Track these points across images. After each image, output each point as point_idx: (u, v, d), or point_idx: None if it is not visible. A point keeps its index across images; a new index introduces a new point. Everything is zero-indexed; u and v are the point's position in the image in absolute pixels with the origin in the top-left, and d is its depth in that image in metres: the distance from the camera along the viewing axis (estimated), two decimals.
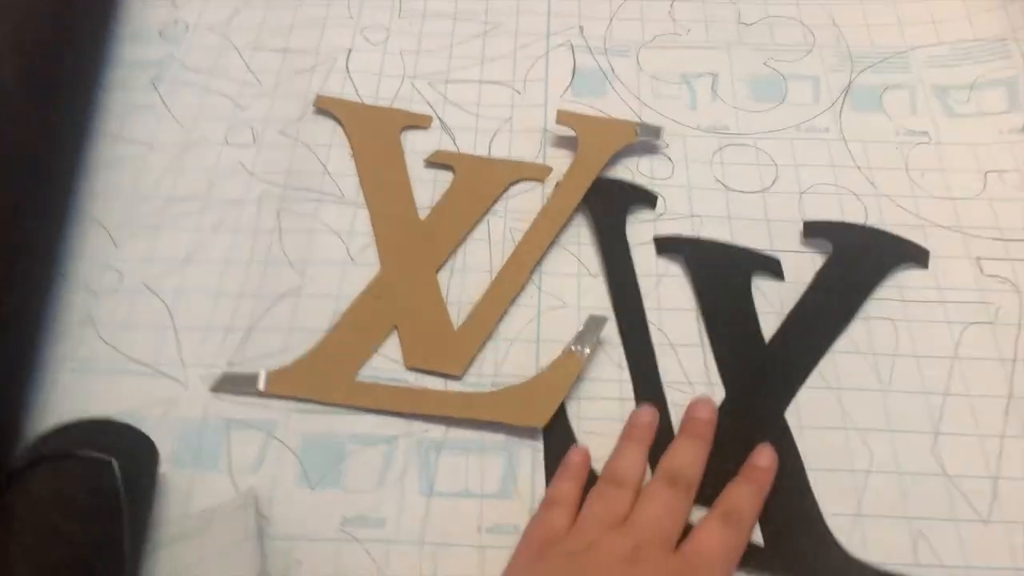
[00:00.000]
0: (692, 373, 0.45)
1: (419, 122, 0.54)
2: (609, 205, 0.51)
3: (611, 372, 0.45)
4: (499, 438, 0.43)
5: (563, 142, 0.53)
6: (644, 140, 0.53)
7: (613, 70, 0.57)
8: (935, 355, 0.45)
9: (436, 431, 0.43)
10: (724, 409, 0.43)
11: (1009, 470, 0.41)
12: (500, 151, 0.53)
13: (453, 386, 0.44)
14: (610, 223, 0.50)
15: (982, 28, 0.58)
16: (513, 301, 0.47)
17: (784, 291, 0.47)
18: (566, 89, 0.56)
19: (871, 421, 0.43)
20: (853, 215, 0.50)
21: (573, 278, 0.48)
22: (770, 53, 0.58)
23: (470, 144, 0.54)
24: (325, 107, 0.55)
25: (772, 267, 0.48)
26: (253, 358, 0.45)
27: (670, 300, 0.47)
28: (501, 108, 0.55)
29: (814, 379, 0.44)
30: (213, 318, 0.47)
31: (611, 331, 0.46)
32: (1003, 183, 0.52)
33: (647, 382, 0.45)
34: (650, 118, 0.54)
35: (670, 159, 0.53)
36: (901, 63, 0.57)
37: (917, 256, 0.48)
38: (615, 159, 0.52)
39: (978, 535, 0.40)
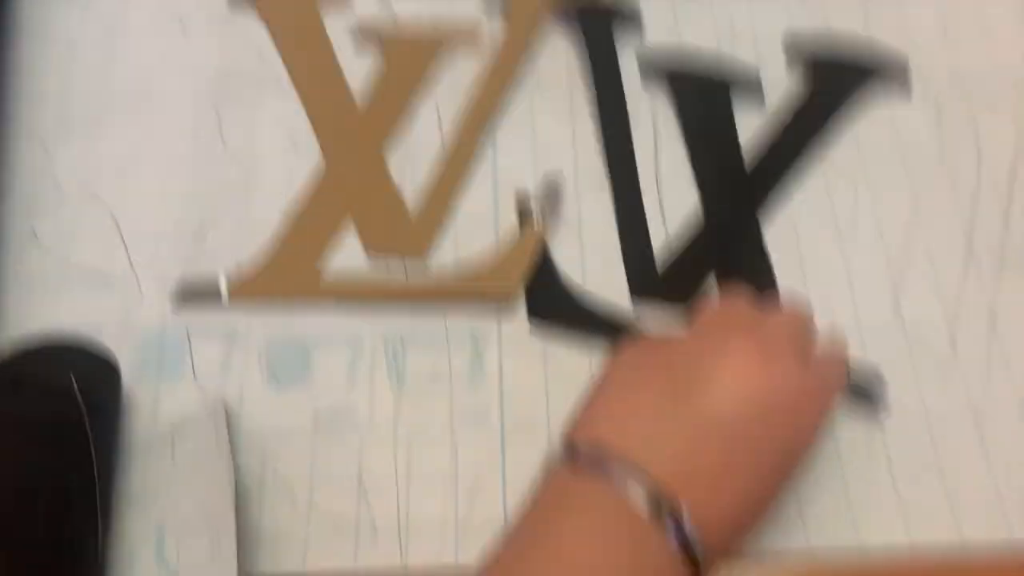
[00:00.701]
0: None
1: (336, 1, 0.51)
2: (601, 35, 0.50)
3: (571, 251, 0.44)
4: (464, 325, 0.42)
5: None
6: None
7: None
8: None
9: (402, 324, 0.42)
10: (704, 236, 0.44)
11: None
12: (443, 9, 0.51)
13: (417, 269, 0.44)
14: (603, 54, 0.49)
15: None
16: (467, 172, 0.46)
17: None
18: None
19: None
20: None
21: (530, 155, 0.47)
22: None
23: (412, 10, 0.51)
24: None
25: (754, 89, 0.48)
26: (206, 259, 0.44)
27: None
28: None
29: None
30: (161, 222, 0.45)
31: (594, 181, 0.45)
32: None
33: (633, 218, 0.45)
34: None
35: None
36: None
37: (896, 73, 0.48)
38: None
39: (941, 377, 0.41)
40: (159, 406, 0.41)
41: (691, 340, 0.34)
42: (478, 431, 0.40)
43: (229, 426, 0.39)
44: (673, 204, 0.45)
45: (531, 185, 0.46)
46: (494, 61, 0.49)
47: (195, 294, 0.43)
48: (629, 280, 0.43)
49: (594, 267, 0.44)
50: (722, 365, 0.32)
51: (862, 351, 0.41)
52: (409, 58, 0.49)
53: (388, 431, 0.40)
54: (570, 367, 0.41)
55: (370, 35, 0.50)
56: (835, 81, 0.48)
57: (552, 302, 0.43)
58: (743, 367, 0.32)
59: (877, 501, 0.38)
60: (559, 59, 0.49)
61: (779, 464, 0.32)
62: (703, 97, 0.48)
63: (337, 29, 0.50)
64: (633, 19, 0.50)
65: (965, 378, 0.41)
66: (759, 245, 0.44)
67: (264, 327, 0.42)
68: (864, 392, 0.40)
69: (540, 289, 0.43)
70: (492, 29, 0.50)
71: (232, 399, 0.41)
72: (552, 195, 0.45)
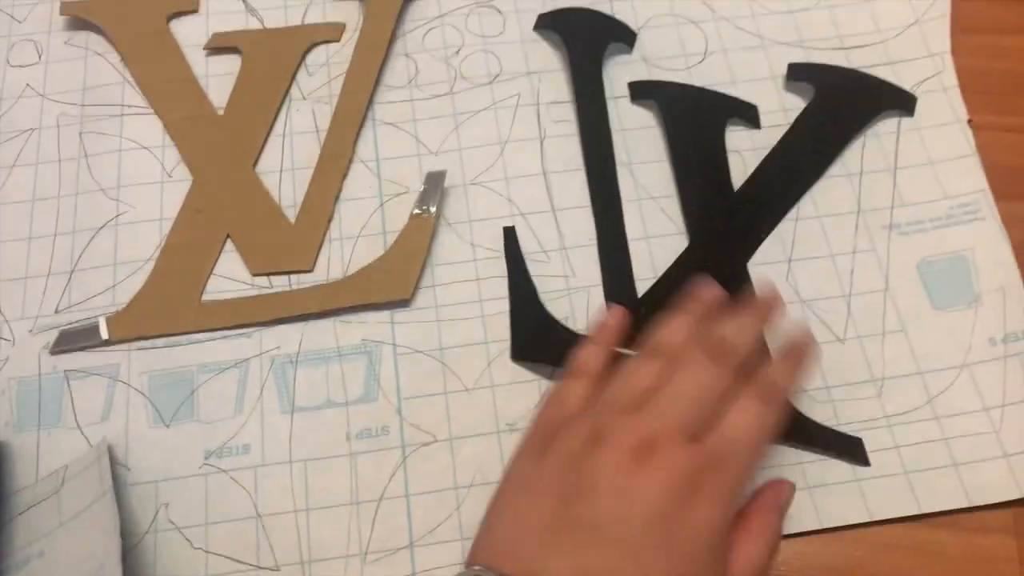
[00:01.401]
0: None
1: (184, 6, 0.49)
2: (586, 44, 0.47)
3: (464, 251, 0.43)
4: (356, 341, 0.41)
5: None
6: None
7: None
8: None
9: (289, 345, 0.41)
10: (686, 258, 0.42)
11: (858, 286, 0.42)
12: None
13: (305, 282, 0.42)
14: (586, 63, 0.47)
15: None
16: (347, 175, 0.45)
17: (758, 139, 0.45)
18: None
19: None
20: (693, 45, 0.48)
21: (413, 159, 0.45)
22: None
23: (281, 24, 0.49)
24: (72, 14, 0.48)
25: (748, 114, 0.46)
26: (81, 301, 0.42)
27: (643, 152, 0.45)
28: None
29: None
30: (30, 264, 0.43)
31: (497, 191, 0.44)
32: None
33: (613, 236, 0.43)
34: None
35: (500, 12, 0.49)
36: None
37: (905, 102, 0.46)
38: (443, 20, 0.49)
39: (836, 355, 0.41)
40: (41, 457, 0.39)
41: (578, 427, 0.32)
42: (377, 449, 0.39)
43: (115, 471, 0.37)
44: (657, 233, 0.43)
45: (416, 181, 0.45)
46: (361, 55, 0.47)
47: (72, 336, 0.41)
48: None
49: (579, 304, 0.42)
50: (599, 469, 0.30)
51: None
52: (270, 61, 0.47)
53: (283, 459, 0.39)
54: (470, 372, 0.40)
55: (226, 40, 0.48)
56: (835, 109, 0.46)
57: (537, 341, 0.41)
58: (616, 473, 0.30)
59: None
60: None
61: (681, 563, 0.29)
62: (694, 118, 0.46)
63: (189, 36, 0.48)
64: (623, 33, 0.48)
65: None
66: (745, 277, 0.42)
67: (146, 363, 0.41)
68: (846, 451, 0.38)
69: (524, 326, 0.41)
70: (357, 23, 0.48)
71: (117, 442, 0.39)
72: (436, 187, 0.44)
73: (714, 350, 0.33)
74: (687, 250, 0.43)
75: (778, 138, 0.45)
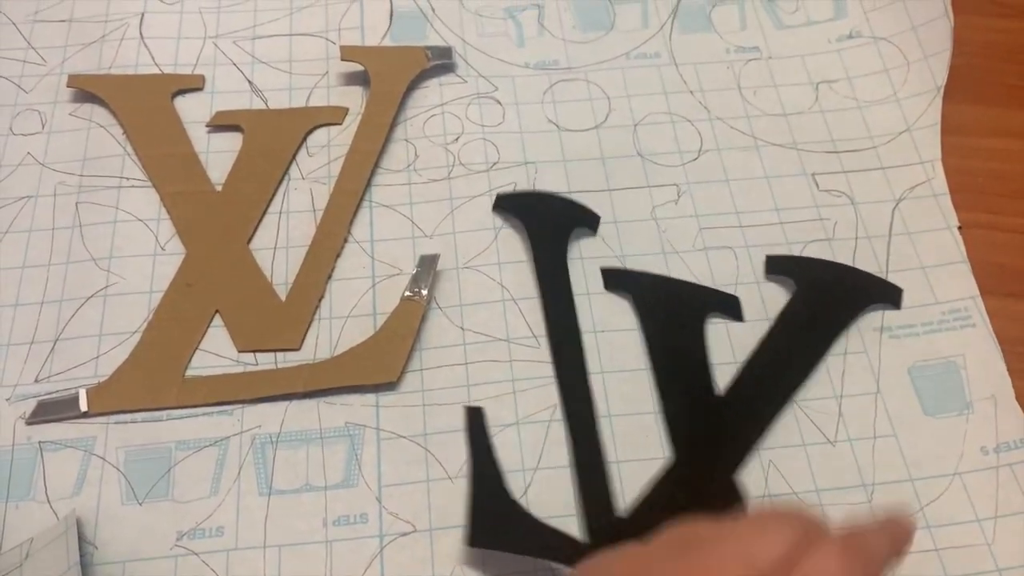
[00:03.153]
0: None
1: (189, 83, 0.50)
2: (549, 226, 0.45)
3: (454, 335, 0.43)
4: (339, 423, 0.40)
5: (357, 79, 0.51)
6: (438, 63, 0.51)
7: (433, 9, 0.53)
8: None
9: (270, 425, 0.40)
10: (672, 474, 0.39)
11: (850, 388, 0.42)
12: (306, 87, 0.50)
13: (291, 361, 0.42)
14: (550, 247, 0.45)
15: None
16: (340, 255, 0.45)
17: (742, 333, 0.43)
18: (384, 35, 0.52)
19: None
20: (688, 143, 0.49)
21: (408, 242, 0.46)
22: None
23: (285, 105, 0.50)
24: (79, 87, 0.49)
25: (730, 308, 0.43)
26: (63, 371, 0.41)
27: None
28: (316, 63, 0.51)
29: None
30: (13, 331, 0.42)
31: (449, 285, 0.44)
32: (834, 93, 0.51)
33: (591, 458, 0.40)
34: (476, 60, 0.51)
35: (500, 103, 0.50)
36: None
37: (890, 295, 0.44)
38: (444, 108, 0.50)
39: (826, 458, 0.40)
40: (7, 530, 0.37)
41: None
42: (354, 537, 0.38)
43: (82, 549, 0.36)
44: (627, 434, 0.40)
45: (409, 263, 0.44)
46: (362, 138, 0.48)
47: (50, 406, 0.40)
48: (589, 526, 0.38)
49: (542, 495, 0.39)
50: None
51: None
52: (272, 140, 0.48)
53: (257, 543, 0.37)
54: (454, 460, 0.39)
55: (229, 118, 0.49)
56: (819, 305, 0.43)
57: (498, 528, 0.38)
58: None
59: None
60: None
61: None
62: (671, 310, 0.43)
63: (193, 112, 0.49)
64: (587, 218, 0.46)
65: None
66: (736, 494, 0.39)
67: (124, 438, 0.40)
68: None
69: (484, 513, 0.38)
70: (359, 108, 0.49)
71: (87, 519, 0.38)
72: (429, 269, 0.43)
73: (854, 547, 0.28)
74: (674, 466, 0.39)
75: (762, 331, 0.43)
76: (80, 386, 0.41)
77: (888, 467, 0.40)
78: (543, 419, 0.41)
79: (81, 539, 0.37)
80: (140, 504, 0.38)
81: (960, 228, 0.46)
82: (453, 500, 0.39)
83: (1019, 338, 0.43)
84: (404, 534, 0.38)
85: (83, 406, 0.40)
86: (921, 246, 0.45)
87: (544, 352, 0.42)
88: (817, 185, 0.48)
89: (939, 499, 0.39)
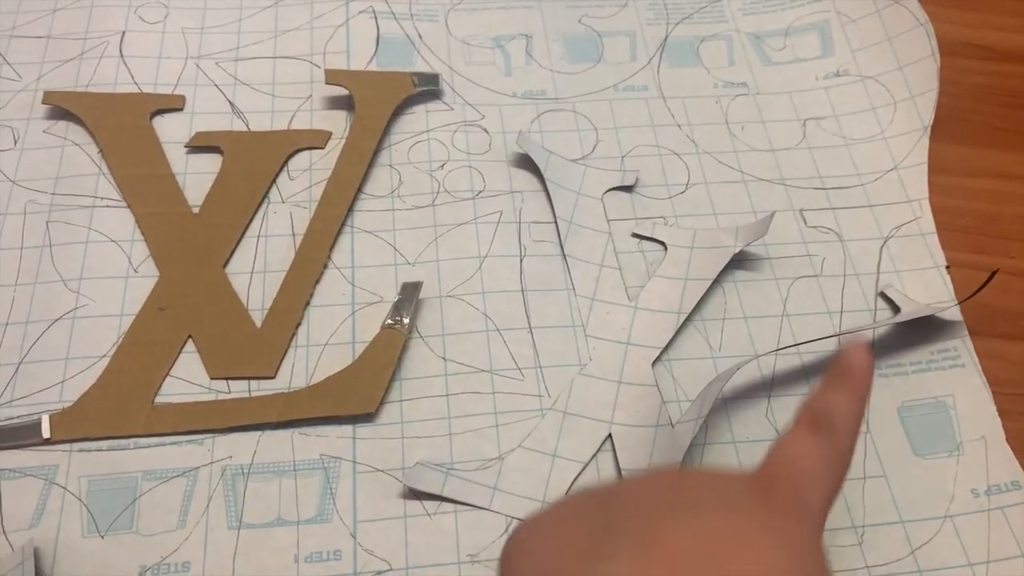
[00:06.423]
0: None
1: (169, 103, 0.49)
2: None
3: (436, 366, 0.42)
4: (314, 455, 0.39)
5: (341, 103, 0.50)
6: (424, 89, 0.50)
7: (420, 36, 0.53)
8: (766, 315, 0.44)
9: (242, 456, 0.39)
10: None
11: None
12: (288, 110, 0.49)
13: (265, 392, 0.40)
14: None
15: None
16: (319, 281, 0.43)
17: None
18: (370, 60, 0.52)
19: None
20: (676, 176, 0.48)
21: (390, 269, 0.45)
22: (584, 10, 0.55)
23: (267, 128, 0.49)
24: (54, 103, 0.48)
25: None
26: (26, 396, 0.39)
27: None
28: (299, 86, 0.50)
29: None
30: None
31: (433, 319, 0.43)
32: (821, 130, 0.51)
33: None
34: (463, 88, 0.51)
35: (486, 131, 0.49)
36: (716, 13, 0.55)
37: None
38: (430, 134, 0.49)
39: None
40: None
41: None
42: (327, 574, 0.36)
43: None
44: None
45: (391, 291, 0.43)
46: (345, 162, 0.47)
47: (11, 432, 0.39)
48: None
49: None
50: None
51: None
52: (252, 162, 0.47)
53: None
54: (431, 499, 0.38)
55: (208, 139, 0.47)
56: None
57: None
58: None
59: None
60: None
61: None
62: None
63: (172, 133, 0.48)
64: None
65: None
66: None
67: (87, 466, 0.38)
68: None
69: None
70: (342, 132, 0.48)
71: (46, 552, 0.36)
72: (411, 297, 0.42)
73: (813, 418, 0.28)
74: None
75: None
76: (43, 411, 0.39)
77: (878, 509, 0.39)
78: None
79: (38, 573, 0.35)
80: (102, 536, 0.36)
81: (948, 267, 0.46)
82: (431, 537, 0.37)
83: (1008, 379, 0.42)
84: (380, 572, 0.36)
85: (45, 432, 0.39)
86: (909, 285, 0.45)
87: (528, 385, 0.41)
88: (805, 221, 0.47)
89: (931, 542, 0.38)
